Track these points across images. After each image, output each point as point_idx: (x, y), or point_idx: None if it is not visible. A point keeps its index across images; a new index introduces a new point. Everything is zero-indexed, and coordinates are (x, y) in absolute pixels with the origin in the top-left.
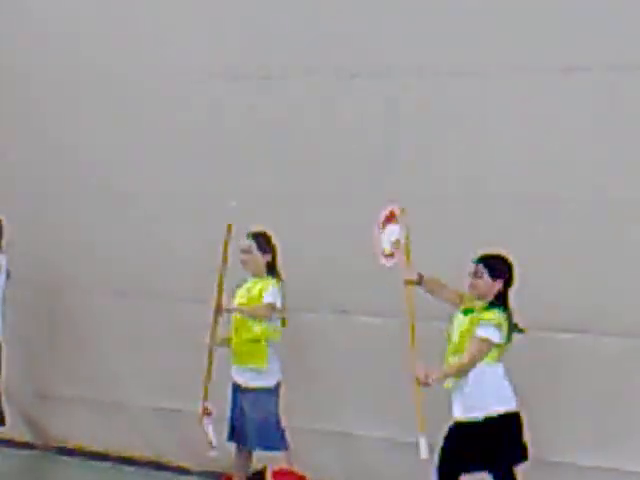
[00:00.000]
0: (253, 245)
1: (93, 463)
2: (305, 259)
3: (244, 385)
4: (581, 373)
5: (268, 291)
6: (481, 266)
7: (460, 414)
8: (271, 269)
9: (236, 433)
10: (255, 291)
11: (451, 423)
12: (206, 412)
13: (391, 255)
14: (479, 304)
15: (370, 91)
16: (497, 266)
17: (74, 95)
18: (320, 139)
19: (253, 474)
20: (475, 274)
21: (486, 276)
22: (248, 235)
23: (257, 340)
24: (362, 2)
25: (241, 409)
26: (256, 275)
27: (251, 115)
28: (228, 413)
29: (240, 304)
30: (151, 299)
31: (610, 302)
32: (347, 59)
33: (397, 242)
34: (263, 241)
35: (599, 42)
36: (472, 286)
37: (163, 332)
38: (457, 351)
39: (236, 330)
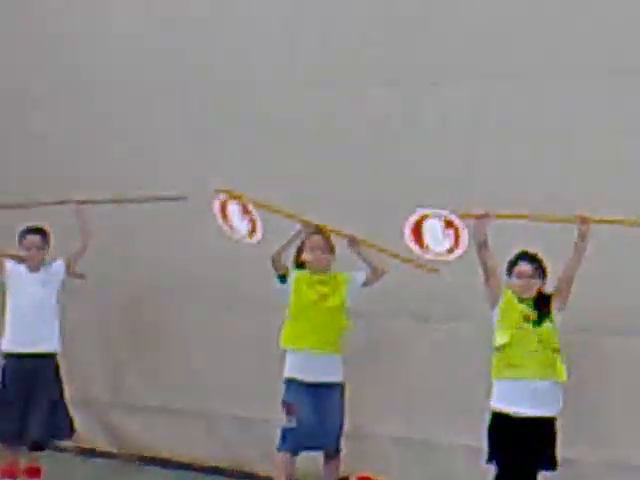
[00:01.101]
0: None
1: (174, 472)
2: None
3: (328, 380)
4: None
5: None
6: (534, 266)
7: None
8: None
9: (309, 437)
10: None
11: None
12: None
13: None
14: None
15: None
16: (543, 265)
17: (146, 95)
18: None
19: None
20: (532, 275)
21: (538, 276)
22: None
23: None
24: None
25: (315, 408)
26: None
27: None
28: (298, 418)
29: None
30: (232, 306)
31: None
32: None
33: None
34: None
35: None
36: (528, 287)
37: (245, 340)
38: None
39: (324, 318)
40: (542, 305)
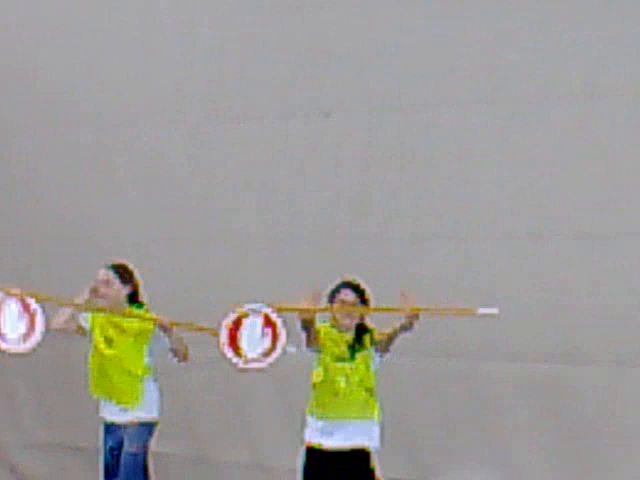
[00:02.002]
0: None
1: None
2: None
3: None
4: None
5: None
6: (357, 295)
7: (368, 442)
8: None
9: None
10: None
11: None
12: None
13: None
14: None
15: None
16: (366, 295)
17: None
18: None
19: None
20: (354, 303)
21: (359, 302)
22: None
23: (140, 378)
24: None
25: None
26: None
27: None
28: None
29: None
30: None
31: (591, 333)
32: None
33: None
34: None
35: (574, 71)
36: (348, 316)
37: None
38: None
39: (110, 363)
40: (360, 339)
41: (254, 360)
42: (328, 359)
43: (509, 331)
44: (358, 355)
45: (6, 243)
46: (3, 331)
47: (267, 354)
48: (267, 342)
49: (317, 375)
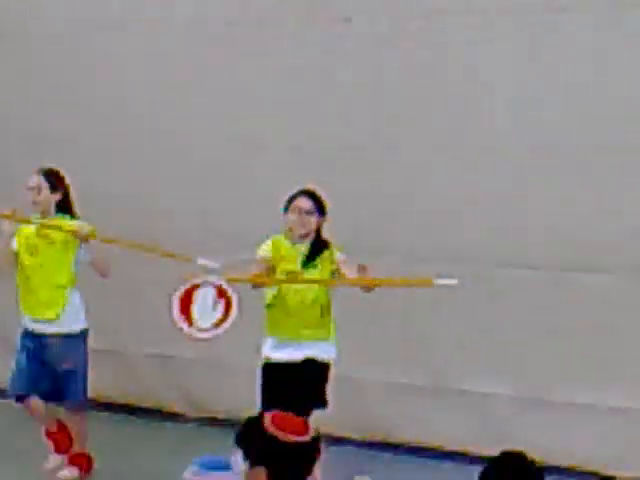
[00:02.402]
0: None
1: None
2: None
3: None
4: (580, 309)
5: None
6: (314, 202)
7: (321, 353)
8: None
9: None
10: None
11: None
12: None
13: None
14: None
15: None
16: (322, 203)
17: None
18: None
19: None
20: (310, 211)
21: (317, 212)
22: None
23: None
24: None
25: (35, 354)
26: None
27: None
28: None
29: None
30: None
31: (608, 239)
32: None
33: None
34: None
35: None
36: (304, 223)
37: (157, 280)
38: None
39: (33, 273)
40: (317, 252)
41: (205, 330)
42: (281, 277)
43: (523, 240)
44: (313, 271)
45: None
46: None
47: (218, 324)
48: (219, 313)
49: (270, 294)
